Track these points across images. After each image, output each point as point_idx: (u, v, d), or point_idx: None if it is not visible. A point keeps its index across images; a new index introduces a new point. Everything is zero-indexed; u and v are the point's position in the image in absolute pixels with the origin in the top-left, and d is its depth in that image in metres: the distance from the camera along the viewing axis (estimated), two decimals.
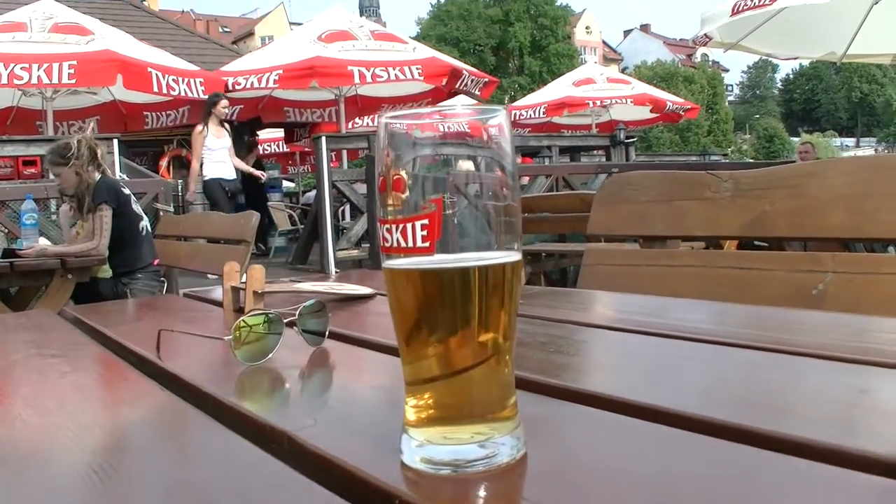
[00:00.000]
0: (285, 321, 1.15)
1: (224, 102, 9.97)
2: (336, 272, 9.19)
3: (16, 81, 9.34)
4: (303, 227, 11.65)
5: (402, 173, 0.66)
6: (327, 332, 1.21)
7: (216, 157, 9.84)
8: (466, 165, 0.66)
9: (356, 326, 1.35)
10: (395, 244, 0.66)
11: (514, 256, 0.67)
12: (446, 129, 0.66)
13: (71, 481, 0.75)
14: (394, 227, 0.66)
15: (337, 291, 1.70)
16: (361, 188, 10.20)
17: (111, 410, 1.02)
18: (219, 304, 1.70)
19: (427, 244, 0.65)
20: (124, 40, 10.85)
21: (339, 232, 10.31)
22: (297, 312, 1.18)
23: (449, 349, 0.67)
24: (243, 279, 1.62)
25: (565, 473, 0.68)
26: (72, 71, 9.31)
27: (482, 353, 0.67)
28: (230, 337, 1.10)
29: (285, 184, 16.87)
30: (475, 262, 0.65)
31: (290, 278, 1.91)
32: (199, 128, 9.80)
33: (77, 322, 1.67)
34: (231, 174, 10.02)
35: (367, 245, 9.98)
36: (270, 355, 1.12)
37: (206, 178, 9.94)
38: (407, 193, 0.66)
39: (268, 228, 12.68)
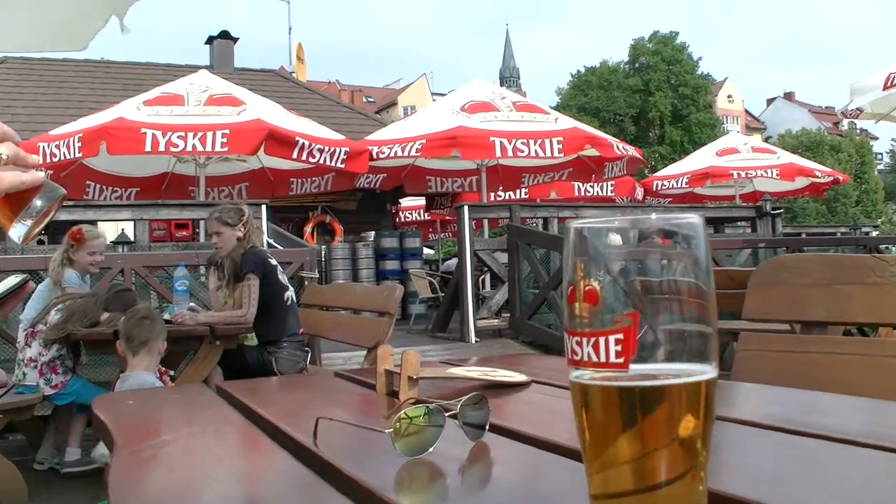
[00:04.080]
0: (446, 414, 1.13)
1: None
2: (476, 341, 9.18)
3: (172, 149, 9.73)
4: (443, 294, 11.71)
5: (595, 284, 0.63)
6: (487, 426, 1.18)
7: None
8: (662, 277, 0.63)
9: (515, 419, 1.32)
10: (585, 358, 0.63)
11: (711, 373, 0.63)
12: (641, 238, 0.63)
13: None
14: (584, 339, 0.63)
15: (491, 378, 1.67)
16: (502, 257, 10.21)
17: (267, 500, 1.01)
18: (371, 385, 1.69)
19: (621, 360, 0.61)
20: (273, 110, 11.20)
21: (479, 301, 10.31)
22: (459, 405, 1.15)
23: (643, 465, 0.63)
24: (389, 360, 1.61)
25: None
26: (224, 139, 9.65)
27: (678, 469, 0.63)
28: (390, 430, 1.07)
29: (425, 251, 17.05)
30: (676, 381, 0.61)
31: (440, 359, 1.89)
32: None
33: (229, 398, 1.68)
34: None
35: (507, 315, 9.94)
36: (431, 449, 1.09)
37: None
38: (599, 305, 0.62)
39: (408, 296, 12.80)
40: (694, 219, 0.64)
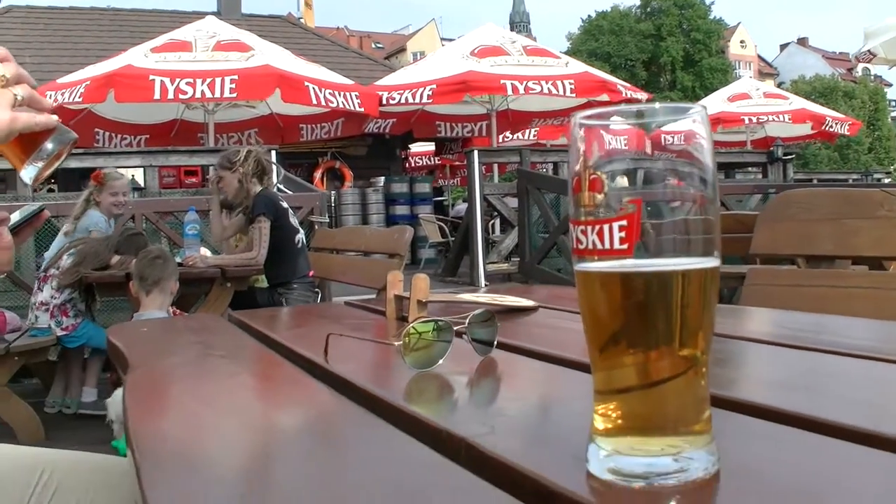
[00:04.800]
0: (455, 329, 1.14)
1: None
2: (486, 285, 9.21)
3: (181, 96, 9.71)
4: (453, 239, 11.72)
5: (599, 173, 0.63)
6: (496, 342, 1.20)
7: None
8: (665, 165, 0.63)
9: (522, 337, 1.33)
10: (590, 246, 0.64)
11: (713, 262, 0.64)
12: (644, 128, 0.64)
13: (248, 481, 0.75)
14: (589, 228, 0.63)
15: (500, 303, 1.68)
16: (512, 202, 10.20)
17: (284, 411, 1.03)
18: (381, 312, 1.71)
19: (625, 246, 0.62)
20: (282, 56, 11.15)
21: (489, 245, 10.32)
22: (467, 321, 1.16)
23: (647, 359, 0.64)
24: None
25: (758, 493, 0.64)
26: (233, 85, 9.62)
27: (681, 364, 0.64)
28: (400, 343, 1.09)
29: (435, 196, 17.06)
30: (678, 266, 0.62)
31: (448, 290, 1.91)
32: None
33: (242, 325, 1.70)
34: None
35: (517, 259, 9.96)
36: (440, 362, 1.11)
37: None
38: (604, 194, 0.63)
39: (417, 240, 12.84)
40: (698, 109, 0.65)
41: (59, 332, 5.33)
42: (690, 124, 0.64)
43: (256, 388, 1.18)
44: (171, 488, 0.72)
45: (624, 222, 0.62)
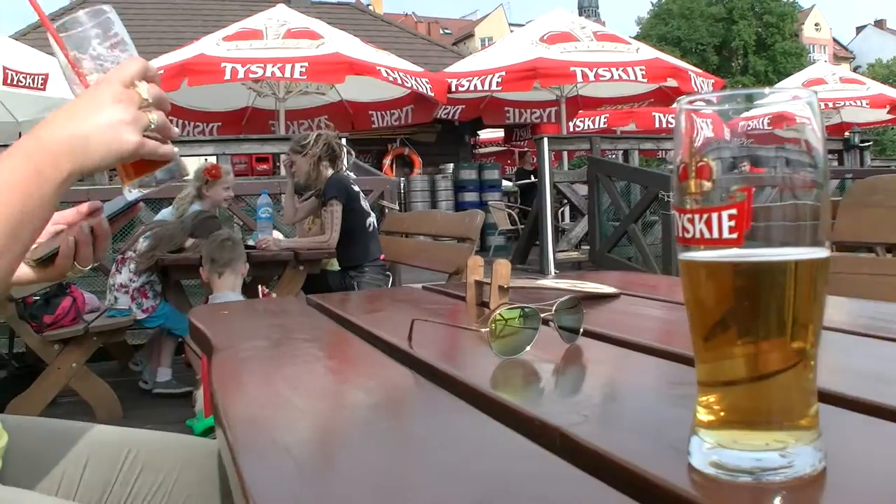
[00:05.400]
0: (542, 316, 1.13)
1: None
2: (556, 273, 9.17)
3: (251, 75, 9.82)
4: (522, 226, 11.69)
5: (707, 160, 0.62)
6: (581, 330, 1.19)
7: None
8: (775, 152, 0.62)
9: (607, 325, 1.32)
10: (697, 235, 0.62)
11: (824, 252, 0.62)
12: (752, 113, 0.62)
13: (343, 465, 0.75)
14: (696, 216, 0.62)
15: (580, 289, 1.67)
16: (582, 189, 10.13)
17: (371, 395, 1.03)
18: (459, 297, 1.70)
19: (734, 235, 0.60)
20: (352, 43, 11.20)
21: (559, 233, 10.27)
22: (554, 308, 1.15)
23: (755, 351, 0.62)
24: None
25: (865, 492, 0.62)
26: (303, 69, 9.70)
27: (791, 356, 0.62)
28: (486, 329, 1.08)
29: (504, 183, 17.00)
30: (790, 257, 0.60)
31: (529, 276, 1.89)
32: None
33: (320, 308, 1.71)
34: None
35: (587, 247, 9.90)
36: (527, 349, 1.10)
37: None
38: (712, 181, 0.61)
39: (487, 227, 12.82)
40: (810, 96, 0.63)
41: (141, 314, 5.43)
42: (800, 109, 0.62)
43: (341, 371, 1.18)
44: (269, 471, 0.72)
45: (734, 211, 0.60)
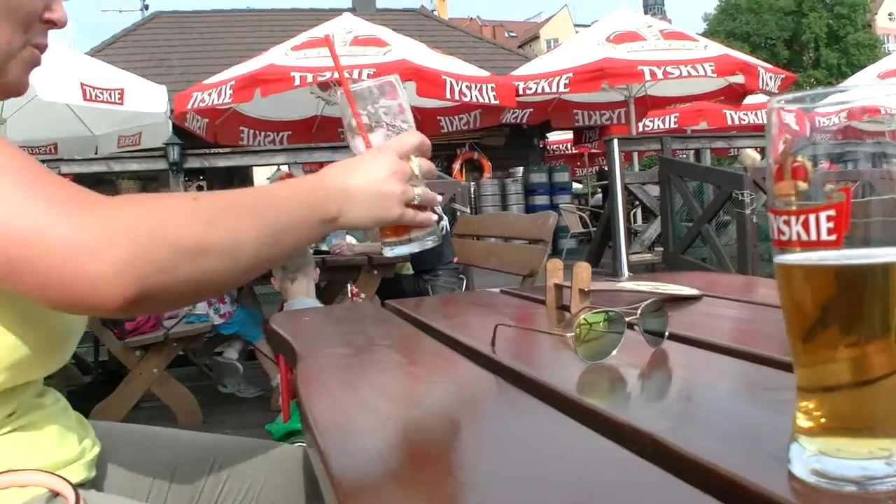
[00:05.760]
0: (626, 320, 1.12)
1: None
2: (629, 275, 9.09)
3: (319, 78, 9.90)
4: (594, 229, 11.61)
5: (803, 160, 0.61)
6: (667, 333, 1.17)
7: None
8: (873, 149, 0.60)
9: (691, 327, 1.30)
10: (793, 237, 0.61)
11: None
12: (847, 110, 0.61)
13: (436, 473, 0.75)
14: (793, 218, 0.61)
15: (662, 291, 1.65)
16: (653, 190, 10.03)
17: (459, 402, 1.03)
18: (539, 300, 1.70)
19: (833, 237, 0.59)
20: (418, 49, 11.24)
21: (631, 235, 10.18)
22: (639, 311, 1.14)
23: (858, 356, 0.60)
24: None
25: None
26: (370, 77, 9.76)
27: (894, 360, 0.60)
28: (571, 334, 1.08)
29: (574, 185, 16.91)
30: (893, 258, 0.59)
31: (607, 278, 1.88)
32: None
33: (399, 313, 1.72)
34: None
35: (661, 249, 9.79)
36: (613, 353, 1.09)
37: None
38: (808, 182, 0.60)
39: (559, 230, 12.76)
40: None
41: (218, 320, 5.51)
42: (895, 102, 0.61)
43: (425, 377, 1.19)
44: (364, 480, 0.73)
45: (832, 212, 0.59)
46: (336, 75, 8.89)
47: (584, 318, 1.08)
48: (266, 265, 1.14)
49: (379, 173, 1.21)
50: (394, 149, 1.25)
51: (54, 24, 1.22)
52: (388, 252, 1.33)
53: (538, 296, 1.70)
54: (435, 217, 1.29)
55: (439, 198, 1.29)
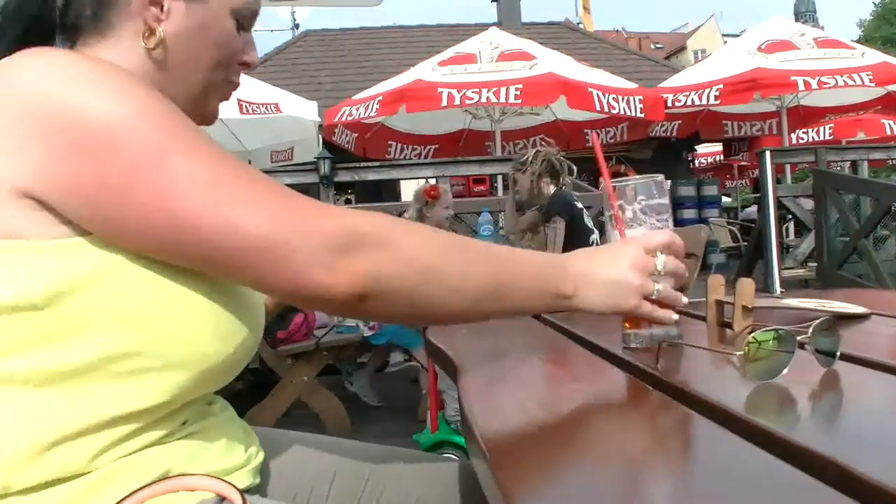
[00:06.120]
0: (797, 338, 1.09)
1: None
2: (781, 291, 8.84)
3: (467, 102, 9.99)
4: (744, 243, 11.33)
5: None
6: (839, 353, 1.13)
7: None
8: None
9: (862, 347, 1.25)
10: None
11: None
12: None
13: (609, 492, 0.74)
14: None
15: (828, 309, 1.60)
16: (807, 203, 9.73)
17: (625, 420, 1.02)
18: (699, 316, 1.67)
19: None
20: (565, 62, 11.22)
21: (783, 249, 9.89)
22: (811, 330, 1.11)
23: None
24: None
25: None
26: (518, 92, 9.78)
27: None
28: (740, 353, 1.05)
29: (723, 199, 16.53)
30: None
31: (766, 294, 1.83)
32: None
33: (555, 326, 1.72)
34: None
35: (814, 264, 9.49)
36: (784, 372, 1.06)
37: None
38: None
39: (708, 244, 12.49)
40: None
41: (367, 332, 5.62)
42: None
43: (589, 392, 1.18)
44: (535, 493, 0.73)
45: None
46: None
47: (754, 336, 1.06)
48: (487, 316, 1.20)
49: (621, 264, 1.26)
50: (641, 242, 1.29)
51: (247, 66, 1.35)
52: (629, 343, 1.35)
53: (697, 311, 1.67)
54: (675, 317, 1.31)
55: (684, 300, 1.31)
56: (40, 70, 1.03)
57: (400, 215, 6.05)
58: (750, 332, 1.08)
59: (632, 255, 1.27)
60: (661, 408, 1.03)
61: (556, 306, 1.23)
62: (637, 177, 1.38)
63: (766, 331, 1.07)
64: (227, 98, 1.36)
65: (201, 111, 1.30)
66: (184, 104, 1.22)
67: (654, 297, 1.27)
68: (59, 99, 1.00)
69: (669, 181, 15.15)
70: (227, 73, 1.31)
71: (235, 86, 1.35)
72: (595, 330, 1.55)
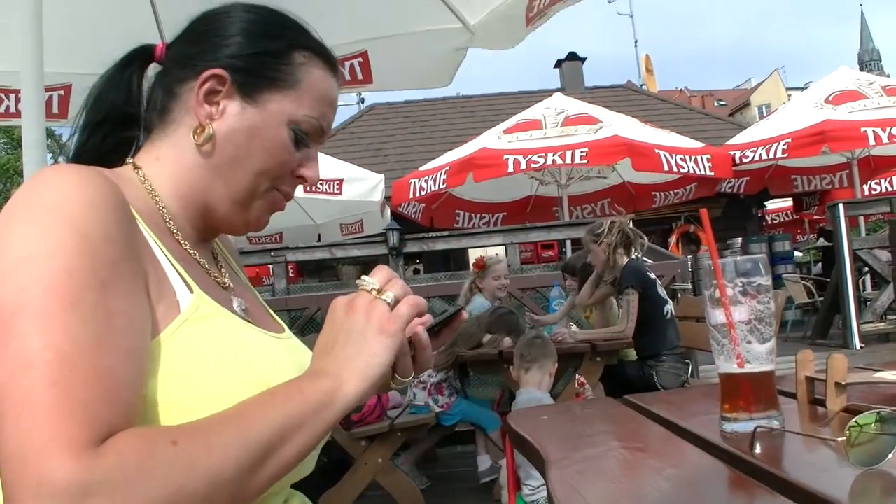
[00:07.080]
0: None
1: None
2: (861, 347, 8.63)
3: (532, 166, 10.02)
4: (819, 299, 11.11)
5: None
6: None
7: None
8: None
9: None
10: None
11: None
12: None
13: None
14: None
15: None
16: (884, 255, 9.52)
17: None
18: (789, 394, 1.62)
19: None
20: (630, 124, 11.22)
21: (861, 304, 9.67)
22: None
23: None
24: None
25: None
26: (583, 154, 9.78)
27: None
28: (842, 439, 1.02)
29: (795, 254, 16.27)
30: None
31: (863, 365, 1.77)
32: None
33: (640, 410, 1.67)
34: None
35: (894, 318, 9.25)
36: (890, 457, 1.02)
37: None
38: None
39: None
40: None
41: (437, 410, 5.59)
42: None
43: (687, 484, 1.14)
44: None
45: None
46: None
47: (856, 421, 1.02)
48: (282, 464, 1.04)
49: (339, 320, 1.16)
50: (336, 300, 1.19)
51: (304, 181, 1.34)
52: (726, 427, 1.30)
53: (787, 388, 1.62)
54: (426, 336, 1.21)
55: (424, 303, 1.19)
56: (26, 186, 1.05)
57: None
58: (845, 411, 1.04)
59: (338, 307, 1.16)
60: (760, 499, 0.99)
61: (334, 401, 1.08)
62: (740, 258, 1.33)
63: (868, 414, 1.04)
64: (280, 209, 1.35)
65: (244, 216, 1.30)
66: (227, 206, 1.27)
67: (391, 303, 1.14)
68: (6, 215, 1.02)
69: (740, 238, 15.07)
70: (278, 183, 1.30)
71: (289, 197, 1.34)
72: (683, 412, 1.51)
